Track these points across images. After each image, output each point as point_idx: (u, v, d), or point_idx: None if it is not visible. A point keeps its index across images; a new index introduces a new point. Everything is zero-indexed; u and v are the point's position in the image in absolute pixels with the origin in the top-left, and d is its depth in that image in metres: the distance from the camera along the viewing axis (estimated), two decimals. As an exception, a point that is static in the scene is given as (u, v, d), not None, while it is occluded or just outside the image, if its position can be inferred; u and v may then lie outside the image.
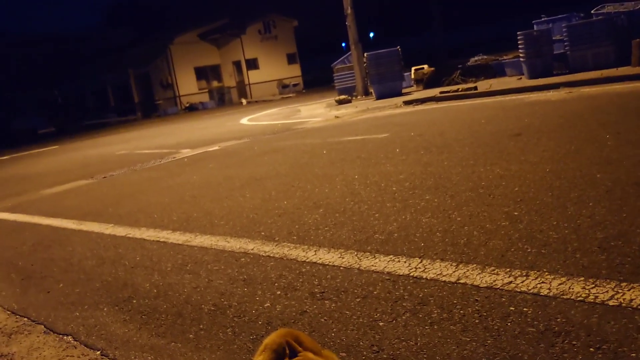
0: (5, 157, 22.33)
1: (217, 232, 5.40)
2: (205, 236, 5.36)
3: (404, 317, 3.07)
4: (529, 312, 2.87)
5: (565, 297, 2.93)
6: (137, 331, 3.57)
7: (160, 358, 3.16)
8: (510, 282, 3.22)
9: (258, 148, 11.29)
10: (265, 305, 3.56)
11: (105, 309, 4.03)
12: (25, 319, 4.12)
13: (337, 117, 14.80)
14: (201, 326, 3.45)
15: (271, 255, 4.46)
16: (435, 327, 2.91)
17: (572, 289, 3.00)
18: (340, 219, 5.10)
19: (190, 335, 3.36)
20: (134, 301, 4.07)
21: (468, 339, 2.74)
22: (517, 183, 5.19)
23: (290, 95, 35.04)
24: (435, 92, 15.25)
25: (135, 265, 4.87)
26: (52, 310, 4.18)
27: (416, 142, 8.47)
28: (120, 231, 6.23)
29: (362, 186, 6.21)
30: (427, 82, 17.81)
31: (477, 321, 2.89)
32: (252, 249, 4.69)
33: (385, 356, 2.74)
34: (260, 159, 9.63)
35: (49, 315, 4.06)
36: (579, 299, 2.89)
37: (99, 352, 3.37)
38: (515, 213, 4.38)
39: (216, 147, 12.59)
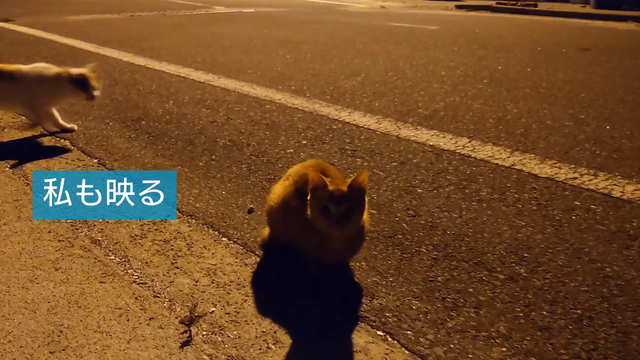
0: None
1: (243, 79, 4.90)
2: (230, 79, 4.86)
3: (446, 189, 2.63)
4: (598, 210, 2.42)
5: (641, 203, 2.46)
6: (141, 149, 3.16)
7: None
8: (576, 178, 2.75)
9: (297, 17, 10.56)
10: (288, 150, 3.13)
11: (110, 124, 3.61)
12: (24, 117, 3.71)
13: (382, 7, 13.86)
14: (213, 157, 3.03)
15: (299, 108, 3.98)
16: (484, 205, 2.47)
17: (651, 196, 2.52)
18: (380, 89, 4.58)
19: (200, 163, 2.94)
20: (143, 122, 3.64)
21: (523, 223, 2.30)
22: (583, 90, 4.60)
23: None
24: (491, 2, 14.17)
25: (150, 92, 4.41)
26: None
27: (470, 38, 7.76)
28: (140, 61, 5.73)
29: (408, 66, 5.63)
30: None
31: (534, 208, 2.44)
32: (279, 99, 4.21)
33: (422, 222, 2.32)
34: (299, 27, 8.96)
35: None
36: (659, 207, 2.42)
37: (96, 161, 2.98)
38: (582, 116, 3.84)
39: (252, 10, 11.83)
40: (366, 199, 1.75)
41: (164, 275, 1.92)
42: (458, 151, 3.14)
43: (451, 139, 3.34)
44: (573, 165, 2.92)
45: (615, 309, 1.76)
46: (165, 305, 1.76)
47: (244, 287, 1.86)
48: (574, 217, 2.37)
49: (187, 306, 1.73)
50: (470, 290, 1.86)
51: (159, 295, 1.81)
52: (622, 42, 7.52)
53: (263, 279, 1.91)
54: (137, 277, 1.91)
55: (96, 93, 3.20)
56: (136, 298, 1.78)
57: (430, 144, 3.25)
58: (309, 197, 1.77)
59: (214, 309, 1.74)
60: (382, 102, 4.14)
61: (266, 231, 2.11)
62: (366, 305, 1.78)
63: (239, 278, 1.90)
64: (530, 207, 2.46)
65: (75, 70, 3.19)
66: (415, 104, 4.11)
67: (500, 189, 2.64)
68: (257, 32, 7.94)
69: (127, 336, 1.60)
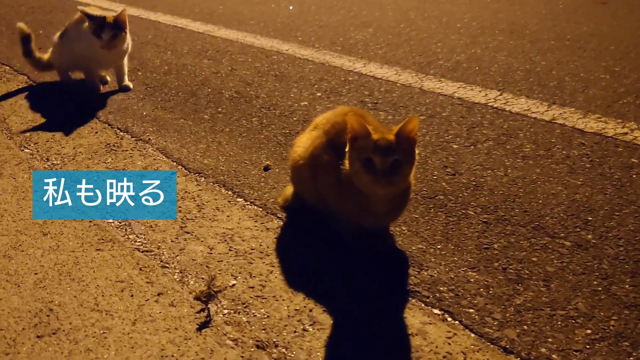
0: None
1: (245, 30, 4.53)
2: (231, 30, 4.49)
3: (485, 145, 2.33)
4: (660, 167, 2.12)
5: None
6: (138, 100, 2.83)
7: (164, 131, 2.44)
8: (626, 134, 2.45)
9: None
10: (302, 103, 2.80)
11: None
12: (7, 67, 3.35)
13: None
14: (220, 109, 2.70)
15: (310, 59, 3.63)
16: (531, 162, 2.17)
17: None
18: (395, 40, 4.23)
19: (206, 116, 2.62)
20: (139, 73, 3.29)
21: (579, 183, 2.01)
22: (612, 42, 4.27)
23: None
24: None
25: (146, 42, 4.04)
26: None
27: (480, -9, 7.34)
28: (133, 11, 5.31)
29: (420, 17, 5.25)
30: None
31: (588, 166, 2.15)
32: (287, 50, 3.85)
33: (464, 180, 2.02)
34: (298, -22, 8.47)
35: (34, 70, 3.30)
36: None
37: (88, 112, 2.64)
38: (617, 69, 3.52)
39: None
40: (417, 151, 1.44)
41: (172, 241, 1.62)
42: (490, 104, 2.83)
43: (480, 91, 3.03)
44: (620, 120, 2.62)
45: None
46: (175, 277, 1.46)
47: (268, 255, 1.57)
48: (634, 176, 2.08)
49: (203, 279, 1.44)
50: (534, 259, 1.57)
51: (167, 265, 1.51)
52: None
53: (290, 245, 1.62)
54: (140, 243, 1.61)
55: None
56: (141, 269, 1.49)
57: (458, 96, 2.94)
58: (347, 149, 1.46)
59: (234, 282, 1.45)
60: (398, 53, 3.80)
61: (288, 190, 1.80)
62: (415, 277, 1.50)
63: (261, 245, 1.61)
64: (583, 165, 2.17)
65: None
66: (435, 56, 3.77)
67: (544, 144, 2.34)
68: (255, -16, 7.48)
69: (131, 316, 1.31)
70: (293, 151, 1.73)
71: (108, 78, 3.10)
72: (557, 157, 2.25)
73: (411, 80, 3.21)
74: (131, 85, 3.01)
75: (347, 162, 1.50)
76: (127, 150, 2.29)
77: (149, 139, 2.42)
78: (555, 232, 1.71)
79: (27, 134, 2.48)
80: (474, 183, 2.03)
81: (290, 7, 5.47)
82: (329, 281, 1.49)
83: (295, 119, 2.62)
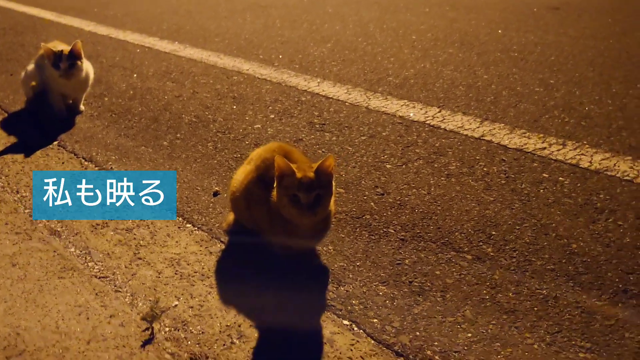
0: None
1: (210, 48, 4.77)
2: (196, 49, 4.72)
3: (415, 164, 2.60)
4: (566, 182, 2.42)
5: (609, 173, 2.47)
6: (103, 128, 3.06)
7: (125, 159, 2.69)
8: (544, 149, 2.73)
9: (265, -22, 10.25)
10: (256, 126, 3.05)
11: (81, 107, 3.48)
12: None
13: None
14: (178, 135, 2.95)
15: (268, 79, 3.89)
16: (453, 180, 2.45)
17: (618, 166, 2.53)
18: (350, 56, 4.49)
19: (165, 143, 2.86)
20: (106, 99, 3.52)
21: (492, 199, 2.29)
22: (553, 53, 4.57)
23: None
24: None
25: (113, 65, 4.27)
26: (11, 93, 3.63)
27: (441, -2, 7.62)
28: (103, 30, 5.53)
29: (378, 30, 5.52)
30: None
31: (503, 182, 2.43)
32: (247, 69, 4.10)
33: (390, 200, 2.29)
34: (267, -12, 8.69)
35: (5, 97, 3.51)
36: (626, 177, 2.43)
37: (56, 143, 2.87)
38: (551, 81, 3.82)
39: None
40: (334, 184, 1.71)
41: (125, 267, 1.87)
42: (428, 122, 3.10)
43: (421, 109, 3.30)
44: (542, 135, 2.90)
45: (581, 287, 1.77)
46: (126, 300, 1.71)
47: (208, 277, 1.82)
48: (541, 191, 2.36)
49: (150, 300, 1.69)
50: (437, 272, 1.85)
51: (120, 289, 1.77)
52: (593, 1, 7.46)
53: (228, 268, 1.88)
54: (98, 270, 1.86)
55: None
56: (97, 294, 1.74)
57: (400, 114, 3.21)
58: (275, 185, 1.72)
59: (177, 302, 1.70)
60: (351, 70, 4.06)
61: (231, 216, 2.06)
62: (332, 292, 1.76)
63: (203, 268, 1.87)
64: (499, 181, 2.44)
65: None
66: (385, 72, 4.04)
67: (469, 162, 2.62)
68: (224, -4, 7.70)
69: (86, 336, 1.56)
70: (231, 184, 1.99)
71: (82, 108, 3.34)
72: (477, 174, 2.53)
73: (359, 99, 3.48)
74: (83, 109, 3.27)
75: (275, 195, 1.76)
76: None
77: (112, 167, 2.66)
78: (460, 247, 1.99)
79: (-1, 165, 2.71)
80: (398, 202, 2.30)
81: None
82: (260, 299, 1.75)
83: (247, 142, 2.87)
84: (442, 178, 2.47)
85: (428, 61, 4.31)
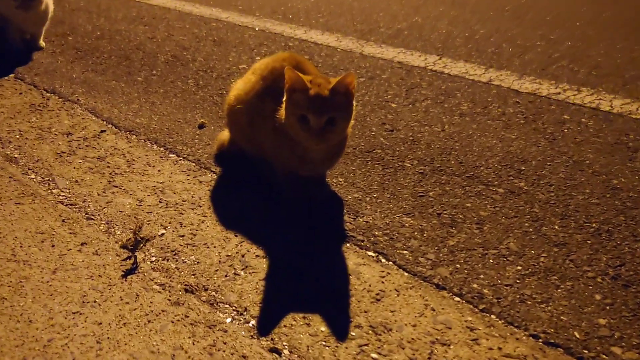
0: None
1: (184, -2, 4.39)
2: (168, -1, 4.34)
3: (423, 104, 2.33)
4: (590, 123, 2.18)
5: (633, 116, 2.24)
6: (67, 63, 2.70)
7: (95, 92, 2.34)
8: (559, 93, 2.50)
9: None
10: (241, 66, 2.74)
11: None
12: None
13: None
14: (154, 72, 2.61)
15: (250, 26, 3.56)
16: (467, 118, 2.19)
17: (642, 110, 2.31)
18: (337, 10, 4.19)
19: (139, 78, 2.52)
20: (70, 38, 3.15)
21: (513, 137, 2.04)
22: (548, 14, 4.36)
23: None
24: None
25: (77, 9, 3.87)
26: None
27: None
28: (64, -21, 5.06)
29: (362, -11, 5.21)
30: None
31: (522, 122, 2.18)
32: (227, 17, 3.76)
33: (402, 136, 2.01)
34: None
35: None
36: (654, 120, 2.20)
37: (12, 75, 2.50)
38: (552, 37, 3.60)
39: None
40: (354, 104, 1.41)
41: (98, 195, 1.55)
42: (429, 67, 2.83)
43: (419, 56, 3.03)
44: (554, 81, 2.67)
45: (634, 221, 1.52)
46: (101, 228, 1.39)
47: (200, 206, 1.52)
48: (566, 130, 2.12)
49: (131, 229, 1.37)
50: (468, 205, 1.58)
51: (92, 217, 1.44)
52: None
53: (222, 197, 1.57)
54: (64, 197, 1.53)
55: None
56: (63, 221, 1.41)
57: (398, 60, 2.94)
58: (284, 99, 1.41)
59: (164, 231, 1.39)
60: (340, 21, 3.77)
61: (224, 135, 1.75)
62: (350, 224, 1.48)
63: (192, 197, 1.55)
64: (518, 121, 2.20)
65: None
66: (376, 24, 3.76)
67: (481, 103, 2.36)
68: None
69: (51, 265, 1.24)
70: (229, 96, 1.67)
71: (43, 44, 2.96)
72: (493, 114, 2.27)
73: (352, 46, 3.19)
74: (43, 45, 2.90)
75: (283, 111, 1.46)
76: (53, 110, 2.18)
77: (78, 99, 2.32)
78: (489, 181, 1.72)
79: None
80: (411, 138, 2.02)
81: None
82: (263, 229, 1.45)
83: (232, 80, 2.55)
84: (455, 117, 2.21)
85: (419, 16, 4.06)
